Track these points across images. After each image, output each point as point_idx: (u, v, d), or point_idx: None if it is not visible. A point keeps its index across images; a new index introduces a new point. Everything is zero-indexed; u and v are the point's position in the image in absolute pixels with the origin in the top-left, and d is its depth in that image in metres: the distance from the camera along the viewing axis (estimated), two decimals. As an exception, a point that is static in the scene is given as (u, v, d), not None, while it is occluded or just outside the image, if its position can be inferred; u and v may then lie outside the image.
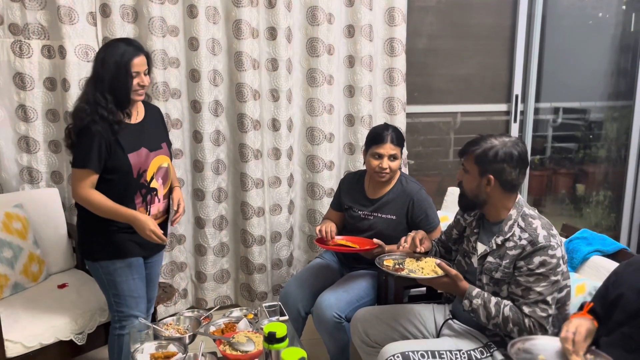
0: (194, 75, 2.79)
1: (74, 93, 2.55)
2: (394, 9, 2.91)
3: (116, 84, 1.89)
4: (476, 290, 1.76)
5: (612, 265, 1.93)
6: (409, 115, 3.14)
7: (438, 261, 1.81)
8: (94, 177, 1.92)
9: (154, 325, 1.83)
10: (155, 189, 2.05)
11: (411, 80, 3.07)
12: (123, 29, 2.63)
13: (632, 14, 3.78)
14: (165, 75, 2.72)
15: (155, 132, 2.08)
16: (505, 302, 1.73)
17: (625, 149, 3.83)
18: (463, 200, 1.87)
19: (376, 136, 2.34)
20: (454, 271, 1.77)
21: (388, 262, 1.93)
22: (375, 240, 2.23)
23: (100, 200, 1.92)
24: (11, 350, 2.03)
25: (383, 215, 2.37)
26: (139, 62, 1.91)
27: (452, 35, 3.46)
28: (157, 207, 2.08)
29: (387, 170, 2.31)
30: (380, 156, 2.31)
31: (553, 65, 3.58)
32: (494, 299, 1.74)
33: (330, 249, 2.35)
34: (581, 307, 1.66)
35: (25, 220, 2.43)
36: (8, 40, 2.50)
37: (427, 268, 1.82)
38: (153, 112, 2.13)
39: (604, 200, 4.03)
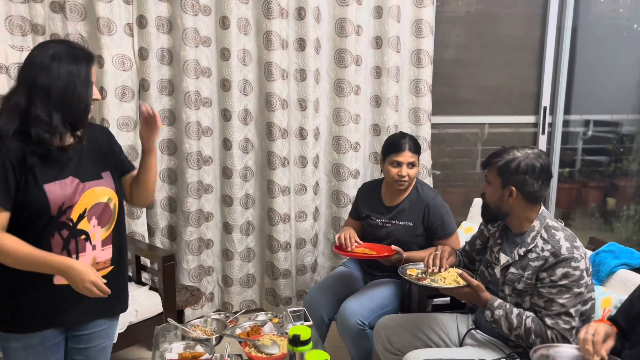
0: (224, 85, 2.87)
1: (111, 101, 2.65)
2: (421, 20, 2.94)
3: (70, 98, 1.42)
4: (498, 301, 1.76)
5: (639, 278, 1.91)
6: (435, 125, 3.16)
7: (460, 271, 1.82)
8: (4, 216, 1.41)
9: (182, 327, 1.88)
10: (85, 232, 1.50)
11: (438, 90, 3.09)
12: (158, 40, 2.72)
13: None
14: (197, 85, 2.80)
15: (94, 157, 1.55)
16: (528, 313, 1.72)
17: (658, 162, 3.77)
18: (486, 211, 1.88)
19: (394, 145, 2.37)
20: (475, 282, 1.77)
21: (411, 272, 1.95)
22: (393, 247, 2.25)
23: (16, 246, 1.40)
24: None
25: (400, 223, 2.39)
26: (94, 71, 1.50)
27: (480, 46, 3.47)
28: (92, 257, 1.53)
29: (406, 178, 2.33)
30: (399, 164, 2.34)
31: (584, 77, 3.55)
32: (515, 310, 1.74)
33: (348, 256, 2.37)
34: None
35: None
36: (50, 50, 2.61)
37: (449, 278, 1.84)
38: (95, 133, 1.61)
39: (635, 214, 3.96)
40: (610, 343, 1.47)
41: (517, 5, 3.44)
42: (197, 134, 2.83)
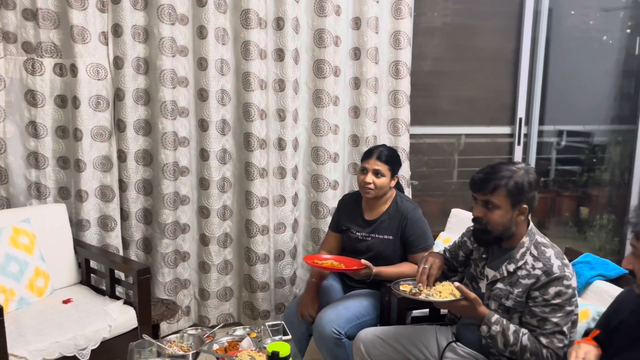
0: (202, 95, 2.83)
1: (84, 111, 2.60)
2: (399, 32, 2.96)
3: None
4: (495, 317, 1.73)
5: (615, 290, 1.93)
6: (413, 136, 3.17)
7: (457, 284, 1.77)
8: None
9: (157, 342, 1.84)
10: None
11: (416, 101, 3.11)
12: (134, 49, 2.68)
13: (637, 38, 3.82)
14: (174, 94, 2.76)
15: None
16: (524, 330, 1.71)
17: (629, 172, 3.85)
18: (486, 235, 1.79)
19: (366, 152, 2.41)
20: (473, 294, 1.73)
21: (404, 287, 1.91)
22: (362, 261, 2.23)
23: None
24: (15, 365, 2.03)
25: (380, 236, 2.38)
26: None
27: (457, 58, 3.51)
28: None
29: (372, 186, 2.32)
30: (365, 171, 2.34)
31: (557, 88, 3.61)
32: (512, 327, 1.71)
33: (316, 267, 2.35)
34: (586, 333, 1.66)
35: (32, 235, 2.45)
36: (21, 58, 2.55)
37: (445, 291, 1.79)
38: None
39: (608, 223, 4.04)
40: None
41: (493, 17, 3.49)
42: (173, 144, 2.78)
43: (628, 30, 3.83)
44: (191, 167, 2.93)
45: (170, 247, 2.87)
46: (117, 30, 2.64)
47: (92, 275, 2.67)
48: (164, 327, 2.88)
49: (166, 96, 2.72)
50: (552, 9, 3.45)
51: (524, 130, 3.52)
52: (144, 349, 1.83)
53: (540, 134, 3.63)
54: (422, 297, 1.81)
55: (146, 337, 1.88)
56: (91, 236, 2.74)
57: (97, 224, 2.75)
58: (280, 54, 2.84)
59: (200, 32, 2.76)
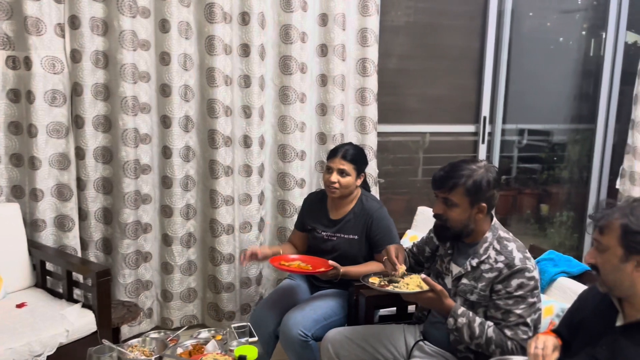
0: (164, 90, 2.75)
1: (40, 105, 2.48)
2: (366, 29, 2.94)
3: None
4: (461, 309, 1.75)
5: (578, 286, 1.97)
6: (379, 134, 3.16)
7: (424, 276, 1.78)
8: None
9: (118, 348, 1.77)
10: None
11: (382, 99, 3.10)
12: (92, 42, 2.58)
13: (592, 40, 3.93)
14: (135, 90, 2.67)
15: None
16: (489, 323, 1.73)
17: (587, 171, 3.95)
18: (447, 232, 1.83)
19: (331, 151, 2.39)
20: (439, 287, 1.74)
21: (374, 280, 1.90)
22: (330, 262, 2.21)
23: None
24: (-36, 374, 1.93)
25: (345, 236, 2.36)
26: None
27: (422, 56, 3.53)
28: None
29: (337, 185, 2.30)
30: (330, 170, 2.32)
31: (518, 87, 3.67)
32: (478, 319, 1.73)
33: (282, 269, 2.31)
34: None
35: (-17, 237, 2.33)
36: (-30, 50, 2.42)
37: (412, 284, 1.80)
38: None
39: (567, 220, 4.14)
40: (556, 355, 1.50)
41: (458, 16, 3.52)
42: (134, 141, 2.70)
43: (583, 32, 3.93)
44: (153, 165, 2.85)
45: (131, 248, 2.78)
46: (74, 22, 2.54)
47: (47, 277, 2.58)
48: (125, 330, 2.80)
49: (127, 91, 2.63)
50: (514, 10, 3.50)
51: (488, 128, 3.57)
52: (103, 355, 1.76)
53: (503, 132, 3.69)
54: (389, 288, 1.81)
55: (106, 341, 1.81)
56: (47, 237, 2.63)
57: (53, 224, 2.64)
58: (245, 50, 2.79)
59: (163, 26, 2.68)
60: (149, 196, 2.85)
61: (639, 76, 3.50)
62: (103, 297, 2.33)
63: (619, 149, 3.77)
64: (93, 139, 2.68)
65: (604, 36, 3.75)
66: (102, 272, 2.32)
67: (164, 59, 2.72)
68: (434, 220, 1.88)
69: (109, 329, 2.37)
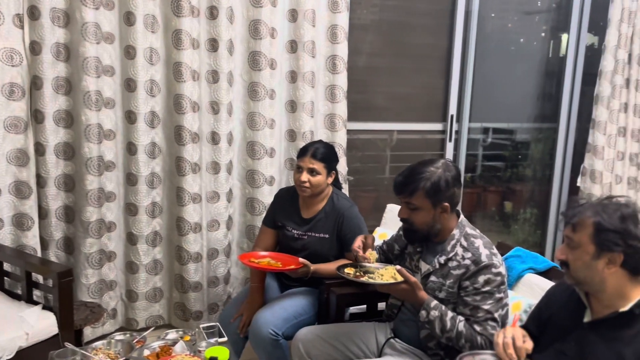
0: (129, 85, 2.68)
1: (1, 99, 2.38)
2: (336, 26, 2.93)
3: None
4: (434, 302, 1.76)
5: (545, 282, 2.01)
6: (348, 131, 3.15)
7: (398, 267, 1.78)
8: None
9: (81, 351, 1.71)
10: None
11: (350, 97, 3.10)
12: (53, 33, 2.48)
13: (552, 41, 4.02)
14: (99, 84, 2.58)
15: None
16: (460, 317, 1.74)
17: (550, 168, 4.05)
18: (415, 235, 1.86)
19: (301, 150, 2.37)
20: (413, 278, 1.75)
21: (349, 270, 1.89)
22: (300, 259, 2.19)
23: None
24: None
25: (316, 235, 2.35)
26: None
27: (391, 54, 3.54)
28: None
29: (307, 184, 2.28)
30: (300, 169, 2.30)
31: (483, 86, 3.73)
32: (450, 313, 1.75)
33: (252, 267, 2.27)
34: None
35: None
36: None
37: (387, 275, 1.80)
38: None
39: (531, 217, 4.24)
40: (530, 343, 1.52)
41: (426, 15, 3.55)
42: (98, 137, 2.61)
43: (543, 34, 4.02)
44: (117, 162, 2.77)
45: (94, 247, 2.70)
46: (33, 13, 2.44)
47: (5, 279, 2.47)
48: (88, 332, 2.72)
49: (90, 86, 2.54)
50: (480, 11, 3.55)
51: (455, 127, 3.61)
52: (66, 358, 1.70)
53: (468, 131, 3.74)
54: (364, 279, 1.81)
55: (68, 344, 1.76)
56: (4, 236, 2.52)
57: (11, 222, 2.54)
58: (213, 45, 2.74)
59: (128, 19, 2.60)
60: (113, 194, 2.77)
61: (599, 77, 3.61)
62: (65, 298, 2.25)
63: (580, 148, 3.88)
64: (54, 135, 2.58)
65: (565, 38, 3.85)
66: (64, 273, 2.24)
67: (129, 52, 2.64)
68: None
69: (71, 331, 2.29)
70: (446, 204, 1.78)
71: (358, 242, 1.95)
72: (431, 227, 1.81)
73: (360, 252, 1.91)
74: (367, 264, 1.91)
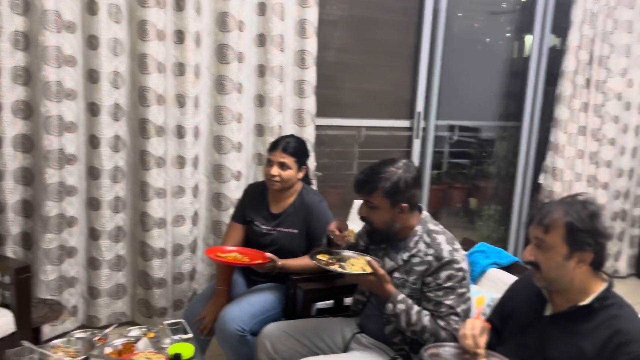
0: (92, 76, 2.61)
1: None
2: (305, 21, 2.92)
3: None
4: (401, 296, 1.77)
5: (508, 277, 2.04)
6: (316, 127, 3.15)
7: (369, 258, 1.79)
8: None
9: (39, 349, 1.66)
10: None
11: (319, 92, 3.09)
12: (11, 21, 2.40)
13: (517, 42, 4.11)
14: (59, 74, 2.51)
15: None
16: (426, 312, 1.76)
17: (513, 166, 4.14)
18: (376, 234, 1.87)
19: (272, 143, 2.35)
20: (382, 271, 1.75)
21: (322, 257, 1.89)
22: (267, 254, 2.17)
23: None
24: None
25: (285, 230, 2.33)
26: None
27: (359, 50, 3.54)
28: None
29: (277, 179, 2.27)
30: (270, 162, 2.29)
31: (450, 84, 3.77)
32: (416, 307, 1.76)
33: (219, 261, 2.23)
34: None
35: None
36: None
37: (357, 265, 1.81)
38: None
39: (495, 214, 4.32)
40: (485, 337, 1.54)
41: (395, 12, 3.56)
42: (58, 129, 2.53)
43: (507, 35, 4.10)
44: (79, 155, 2.69)
45: (54, 243, 2.62)
46: (-10, -1, 2.35)
47: (-41, 275, 2.37)
48: (47, 330, 2.64)
49: (50, 76, 2.47)
50: (448, 9, 3.58)
51: (422, 124, 3.64)
52: (23, 357, 1.64)
53: (435, 128, 3.78)
54: (334, 267, 1.81)
55: (26, 343, 1.69)
56: (-42, 231, 2.43)
57: None
58: (180, 36, 2.69)
59: (90, 8, 2.53)
60: (74, 188, 2.69)
61: (561, 77, 3.70)
62: (22, 295, 2.20)
63: (543, 146, 3.97)
64: (11, 126, 2.50)
65: (529, 38, 3.93)
66: (22, 269, 2.19)
67: (91, 42, 2.57)
68: None
69: (29, 329, 2.24)
70: (405, 204, 1.79)
71: (333, 225, 1.94)
72: (390, 226, 1.82)
73: (337, 232, 1.90)
74: (342, 251, 1.92)
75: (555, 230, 1.42)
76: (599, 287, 1.45)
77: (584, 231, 1.40)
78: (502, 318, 1.67)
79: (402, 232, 1.85)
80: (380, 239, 1.91)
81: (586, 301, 1.44)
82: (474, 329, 1.53)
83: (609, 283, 1.47)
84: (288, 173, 2.28)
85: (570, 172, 3.82)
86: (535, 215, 1.46)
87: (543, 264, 1.45)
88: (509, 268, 2.15)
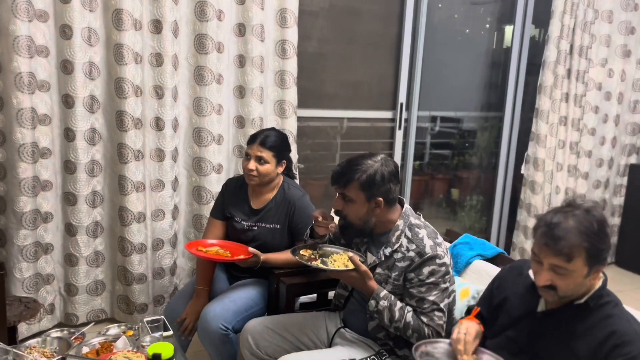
0: (66, 67, 2.52)
1: None
2: (286, 10, 2.86)
3: None
4: (384, 292, 1.75)
5: (492, 268, 2.04)
6: (298, 119, 3.11)
7: (351, 254, 1.77)
8: None
9: (13, 349, 1.61)
10: None
11: (301, 84, 3.05)
12: (-21, 9, 2.30)
13: (497, 33, 4.10)
14: (32, 65, 2.42)
15: None
16: (409, 308, 1.74)
17: (495, 157, 4.15)
18: (350, 230, 1.83)
19: (251, 137, 2.29)
20: (364, 267, 1.73)
21: (304, 252, 1.86)
22: (250, 249, 2.14)
23: None
24: None
25: (267, 225, 2.28)
26: None
27: (341, 41, 3.50)
28: None
29: (255, 173, 2.22)
30: (248, 156, 2.24)
31: (432, 75, 3.76)
32: (399, 304, 1.74)
33: (200, 256, 2.17)
34: (468, 311, 1.72)
35: None
36: None
37: (340, 261, 1.78)
38: None
39: (477, 204, 4.33)
40: (478, 342, 1.54)
41: (376, 2, 3.52)
42: (31, 122, 2.45)
43: (487, 26, 4.09)
44: (54, 149, 2.61)
45: (29, 239, 2.55)
46: (-44, -14, 2.25)
47: None
48: (23, 329, 2.58)
49: (22, 67, 2.38)
50: (429, 0, 3.56)
51: (404, 115, 3.62)
52: (-4, 359, 1.59)
53: (417, 119, 3.76)
54: (316, 263, 1.79)
55: (0, 343, 1.63)
56: None
57: None
58: (157, 26, 2.62)
59: (63, -5, 2.45)
60: (49, 182, 2.61)
61: (543, 67, 3.71)
62: (-4, 293, 2.12)
63: (524, 136, 3.98)
64: (-18, 119, 2.41)
65: (510, 29, 3.93)
66: (-5, 267, 2.11)
67: (65, 32, 2.48)
68: None
69: (3, 328, 2.16)
70: (380, 198, 1.76)
71: (318, 212, 1.90)
72: (365, 221, 1.79)
73: (320, 217, 1.86)
74: (324, 246, 1.89)
75: (577, 257, 1.36)
76: (596, 284, 1.44)
77: (604, 249, 1.38)
78: (490, 308, 1.63)
79: (383, 226, 1.82)
80: (354, 234, 1.87)
81: (582, 300, 1.42)
82: (469, 334, 1.52)
83: (603, 280, 1.45)
84: (266, 167, 2.22)
85: (552, 162, 3.84)
86: (547, 242, 1.38)
87: (562, 287, 1.39)
88: (494, 260, 2.15)
